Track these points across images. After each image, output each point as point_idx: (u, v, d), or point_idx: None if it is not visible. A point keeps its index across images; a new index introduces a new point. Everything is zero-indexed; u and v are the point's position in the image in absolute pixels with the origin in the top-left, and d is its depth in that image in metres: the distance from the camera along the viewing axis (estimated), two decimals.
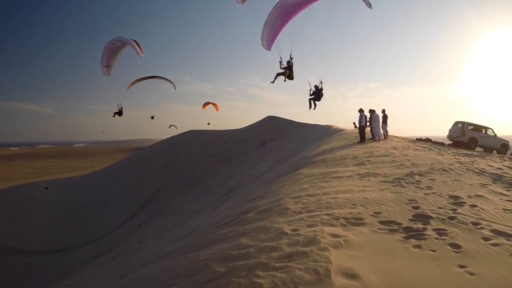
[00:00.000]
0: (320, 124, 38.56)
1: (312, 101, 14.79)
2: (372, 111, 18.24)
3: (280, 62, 13.74)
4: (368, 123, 18.22)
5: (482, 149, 20.13)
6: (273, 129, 41.92)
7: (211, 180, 29.56)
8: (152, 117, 32.23)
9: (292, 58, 13.69)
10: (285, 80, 13.69)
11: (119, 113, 24.32)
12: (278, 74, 13.77)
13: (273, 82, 13.77)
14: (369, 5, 10.89)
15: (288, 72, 13.77)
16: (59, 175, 58.43)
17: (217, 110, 42.92)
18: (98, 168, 61.02)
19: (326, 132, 29.62)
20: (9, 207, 29.28)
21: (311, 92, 14.75)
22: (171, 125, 48.41)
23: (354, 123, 26.84)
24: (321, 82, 14.50)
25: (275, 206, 6.06)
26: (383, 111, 18.79)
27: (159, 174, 39.52)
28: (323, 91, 14.59)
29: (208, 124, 44.29)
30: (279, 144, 33.29)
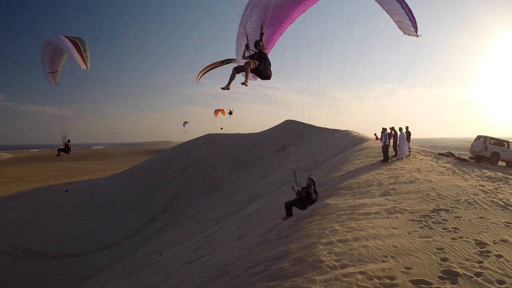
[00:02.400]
0: (339, 129, 38.10)
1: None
2: (399, 129, 18.51)
3: (246, 45, 8.96)
4: (391, 141, 18.52)
5: (504, 164, 20.10)
6: (292, 133, 41.91)
7: (229, 186, 29.99)
8: (231, 113, 32.63)
9: (263, 34, 8.82)
10: (245, 84, 8.13)
11: (65, 149, 19.06)
12: (237, 70, 8.57)
13: (227, 87, 8.32)
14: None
15: (256, 63, 8.53)
16: (78, 177, 60.06)
17: (223, 114, 43.60)
18: (117, 170, 62.32)
19: (346, 139, 29.58)
20: (30, 210, 30.49)
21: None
22: (185, 122, 48.73)
23: (375, 134, 26.71)
24: None
25: (308, 256, 6.13)
26: (406, 128, 19.00)
27: (178, 178, 40.27)
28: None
29: (221, 129, 44.70)
30: (299, 149, 33.43)
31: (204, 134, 55.89)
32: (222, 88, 8.18)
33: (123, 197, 37.00)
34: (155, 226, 26.56)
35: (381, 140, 18.82)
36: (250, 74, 8.32)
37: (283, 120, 48.12)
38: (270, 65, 8.89)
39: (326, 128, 40.27)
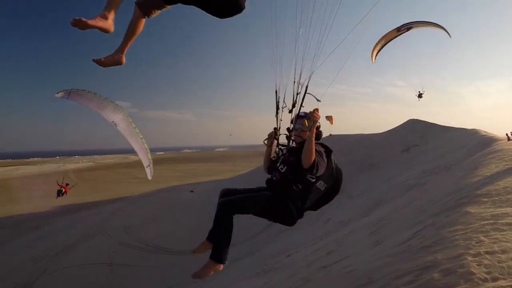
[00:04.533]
0: (465, 128, 34.87)
1: None
2: None
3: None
4: None
5: None
6: (416, 133, 39.45)
7: (353, 188, 29.07)
8: (420, 95, 32.09)
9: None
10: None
11: (61, 192, 20.57)
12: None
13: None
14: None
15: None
16: (202, 179, 63.69)
17: (331, 123, 42.53)
18: (239, 171, 64.69)
19: (474, 138, 26.90)
20: (156, 209, 32.97)
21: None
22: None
23: (507, 134, 24.18)
24: None
25: (458, 267, 5.66)
26: None
27: None
28: None
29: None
30: (424, 150, 31.27)
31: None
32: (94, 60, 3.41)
33: None
34: (278, 227, 26.73)
35: None
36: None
37: (406, 120, 46.07)
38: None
39: (450, 127, 37.36)
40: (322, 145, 4.76)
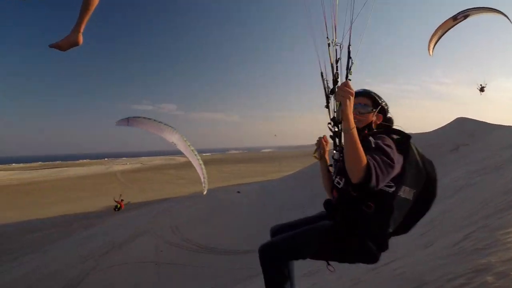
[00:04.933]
0: None
1: None
2: None
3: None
4: None
5: None
6: (465, 132, 37.85)
7: None
8: (482, 88, 30.59)
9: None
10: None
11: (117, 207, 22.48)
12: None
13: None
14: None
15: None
16: (249, 179, 63.65)
17: None
18: (286, 172, 64.22)
19: None
20: (204, 209, 33.08)
21: None
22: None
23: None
24: None
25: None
26: None
27: None
28: None
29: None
30: (473, 149, 29.80)
31: None
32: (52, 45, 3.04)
33: (291, 199, 37.58)
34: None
35: None
36: None
37: (454, 118, 44.70)
38: None
39: (500, 125, 35.70)
40: (390, 132, 3.02)
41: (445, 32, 19.35)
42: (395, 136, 2.88)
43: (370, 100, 3.20)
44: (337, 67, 3.30)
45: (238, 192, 43.20)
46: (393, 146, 2.74)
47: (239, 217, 30.23)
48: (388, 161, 2.61)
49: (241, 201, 37.12)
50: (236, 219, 29.66)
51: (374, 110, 3.18)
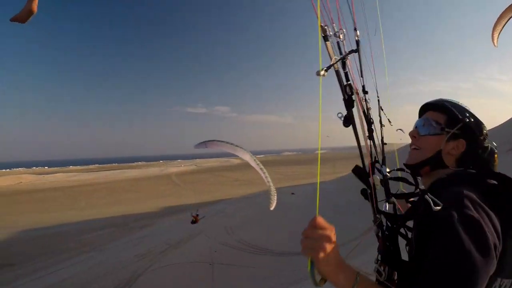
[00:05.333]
0: None
1: None
2: None
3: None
4: None
5: None
6: None
7: None
8: None
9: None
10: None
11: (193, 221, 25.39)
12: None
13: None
14: None
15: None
16: (303, 181, 63.22)
17: None
18: (340, 174, 63.27)
19: None
20: (257, 210, 33.10)
21: None
22: (398, 129, 46.13)
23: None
24: None
25: None
26: None
27: None
28: None
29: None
30: None
31: None
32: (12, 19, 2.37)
33: (347, 201, 36.95)
34: (374, 236, 25.50)
35: None
36: None
37: (510, 117, 42.47)
38: None
39: None
40: (480, 178, 1.59)
41: (508, 20, 18.31)
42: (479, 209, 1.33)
43: (443, 115, 1.80)
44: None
45: (293, 193, 42.93)
46: (489, 227, 1.28)
47: (292, 218, 30.01)
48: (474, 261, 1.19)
49: (294, 203, 36.87)
50: (289, 220, 29.46)
51: (447, 130, 1.75)
